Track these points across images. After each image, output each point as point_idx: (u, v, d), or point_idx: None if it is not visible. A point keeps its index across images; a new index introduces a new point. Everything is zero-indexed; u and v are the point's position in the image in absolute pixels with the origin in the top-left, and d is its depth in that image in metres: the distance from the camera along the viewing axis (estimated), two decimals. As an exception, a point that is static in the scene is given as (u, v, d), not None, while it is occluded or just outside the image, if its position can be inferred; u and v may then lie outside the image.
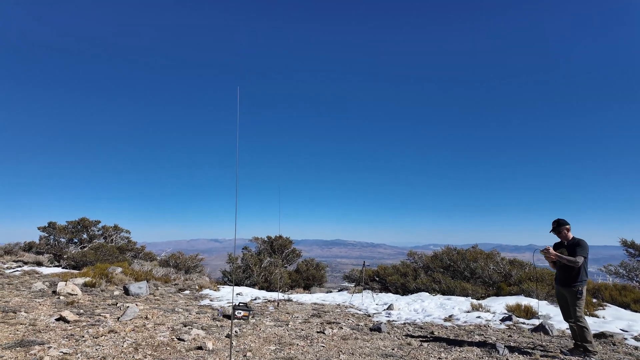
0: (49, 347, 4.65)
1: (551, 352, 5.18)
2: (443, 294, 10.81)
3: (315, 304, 9.79)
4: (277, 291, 13.31)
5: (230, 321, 6.80)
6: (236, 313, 6.93)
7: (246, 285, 13.54)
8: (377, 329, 6.50)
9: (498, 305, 8.68)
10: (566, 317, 5.23)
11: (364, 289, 13.88)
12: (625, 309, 7.66)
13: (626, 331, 6.47)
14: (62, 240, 14.51)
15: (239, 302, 7.38)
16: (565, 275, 5.03)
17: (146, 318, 6.57)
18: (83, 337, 5.24)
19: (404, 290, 11.87)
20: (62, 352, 4.53)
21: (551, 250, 5.03)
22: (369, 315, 8.13)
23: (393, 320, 7.55)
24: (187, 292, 10.60)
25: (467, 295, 10.41)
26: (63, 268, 13.05)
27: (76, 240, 15.47)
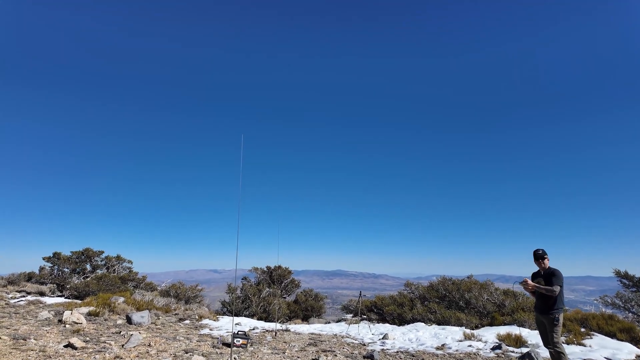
0: (61, 371, 4.98)
1: (532, 377, 5.48)
2: (438, 324, 11.01)
3: (312, 333, 10.00)
4: (275, 321, 13.47)
5: (229, 349, 7.09)
6: (235, 341, 7.22)
7: (245, 316, 13.69)
8: (370, 356, 6.78)
9: (490, 334, 8.91)
10: (545, 344, 5.54)
11: (362, 319, 14.02)
12: (611, 337, 7.91)
13: (609, 359, 6.74)
14: (66, 270, 14.81)
15: (238, 331, 7.67)
16: (543, 304, 5.34)
17: (149, 345, 6.87)
18: (91, 362, 5.56)
19: (401, 321, 12.04)
20: (73, 375, 4.86)
21: (529, 281, 5.40)
22: (364, 345, 8.37)
23: (387, 349, 7.80)
24: (187, 321, 10.82)
25: (461, 325, 10.61)
26: (66, 298, 13.29)
27: (79, 271, 15.75)
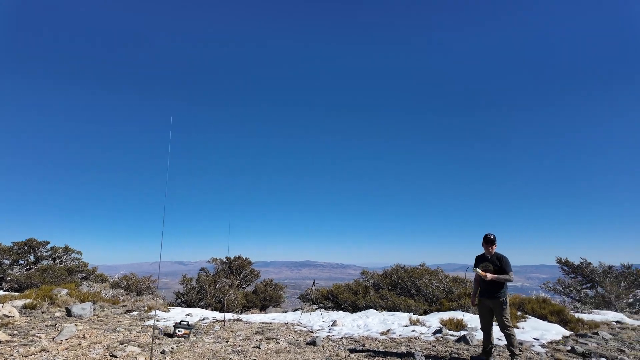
0: (-27, 366, 4.67)
1: (463, 358, 5.71)
2: (389, 310, 11.28)
3: (264, 322, 9.97)
4: (230, 312, 13.34)
5: (170, 339, 6.93)
6: (177, 331, 7.06)
7: (199, 307, 13.46)
8: (312, 343, 6.84)
9: (435, 319, 9.22)
10: (486, 326, 5.65)
11: (318, 307, 14.17)
12: (543, 320, 8.40)
13: (537, 340, 7.14)
14: (6, 261, 13.91)
15: (181, 321, 7.49)
16: (492, 288, 5.43)
17: (83, 337, 6.58)
18: (12, 356, 5.25)
19: (354, 308, 12.25)
20: (-14, 370, 4.57)
21: (489, 275, 5.33)
22: (312, 332, 8.44)
23: (333, 335, 7.89)
24: (134, 313, 10.48)
25: (410, 311, 10.93)
26: (5, 291, 12.52)
27: (22, 262, 14.86)
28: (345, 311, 12.41)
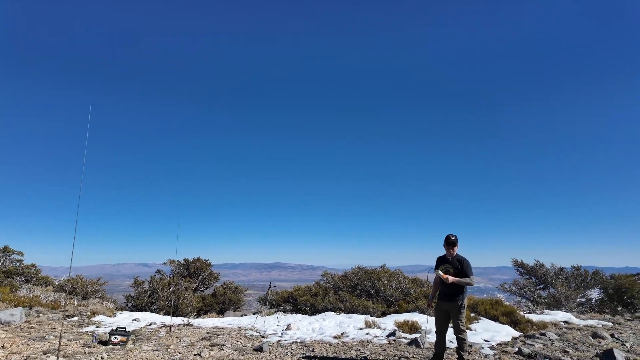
0: None
1: (411, 362, 5.57)
2: (347, 312, 11.10)
3: (215, 327, 9.51)
4: (183, 316, 12.72)
5: (104, 347, 6.38)
6: (112, 338, 6.52)
7: (151, 311, 12.75)
8: (259, 349, 6.50)
9: (390, 322, 9.11)
10: (441, 330, 5.46)
11: (278, 310, 13.80)
12: (495, 321, 8.47)
13: (488, 341, 7.14)
14: None
15: (117, 327, 6.94)
16: (451, 291, 5.25)
17: (2, 347, 5.93)
18: None
19: (313, 310, 11.98)
20: None
21: (450, 278, 5.13)
22: (263, 337, 8.08)
23: (284, 340, 7.58)
24: (75, 318, 9.74)
25: (368, 313, 10.79)
26: None
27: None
28: (304, 314, 12.13)
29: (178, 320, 10.45)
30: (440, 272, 5.29)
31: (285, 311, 13.12)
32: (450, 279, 5.17)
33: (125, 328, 6.89)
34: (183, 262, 17.37)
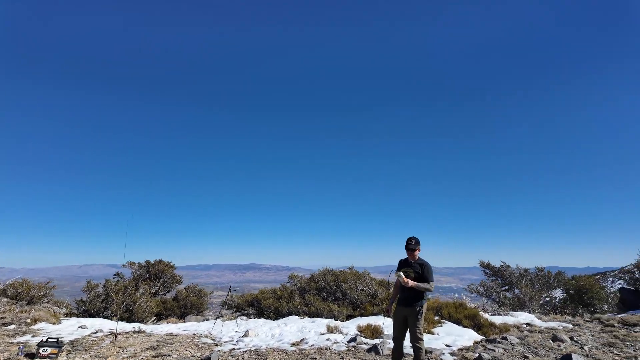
0: None
1: (366, 372, 5.24)
2: (311, 316, 10.72)
3: (169, 334, 8.92)
4: (139, 322, 11.99)
5: (30, 361, 5.74)
6: (40, 351, 5.88)
7: (104, 316, 11.96)
8: (207, 359, 6.02)
9: (354, 326, 8.79)
10: (398, 336, 5.18)
11: (241, 314, 13.26)
12: (458, 324, 8.30)
13: (449, 346, 6.93)
14: None
15: (48, 338, 6.29)
16: (410, 296, 4.98)
17: None
18: None
19: (277, 315, 11.54)
20: None
21: (410, 282, 4.88)
22: (217, 344, 7.59)
23: (237, 348, 7.12)
24: (12, 327, 8.91)
25: (333, 317, 10.45)
26: None
27: None
28: (267, 318, 11.66)
29: (130, 326, 9.77)
30: (402, 275, 5.00)
31: (249, 315, 12.62)
32: (410, 282, 4.91)
33: (57, 339, 6.25)
34: (144, 264, 16.52)
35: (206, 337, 8.50)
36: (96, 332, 8.76)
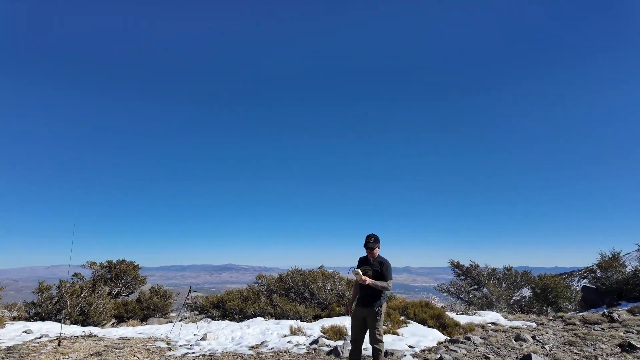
0: None
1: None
2: (277, 317, 10.39)
3: (122, 338, 8.38)
4: (95, 325, 11.33)
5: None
6: (-36, 359, 5.30)
7: (57, 320, 11.20)
8: (153, 365, 5.60)
9: (318, 327, 8.51)
10: (356, 338, 4.99)
11: (206, 316, 12.75)
12: (424, 325, 8.16)
13: (412, 347, 6.75)
14: None
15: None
16: (369, 296, 4.78)
17: None
18: None
19: (242, 316, 11.13)
20: None
21: (368, 280, 4.66)
22: (171, 349, 7.16)
23: (191, 353, 6.71)
24: (-55, 333, 8.16)
25: (299, 318, 10.15)
26: None
27: None
28: (232, 320, 11.24)
29: (81, 330, 9.16)
30: (360, 272, 4.77)
31: (213, 317, 12.14)
32: (367, 280, 4.69)
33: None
34: (106, 264, 15.73)
35: (162, 340, 8.04)
36: (40, 337, 8.13)
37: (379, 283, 4.71)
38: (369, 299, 4.81)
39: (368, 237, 4.91)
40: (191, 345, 7.33)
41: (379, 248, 4.95)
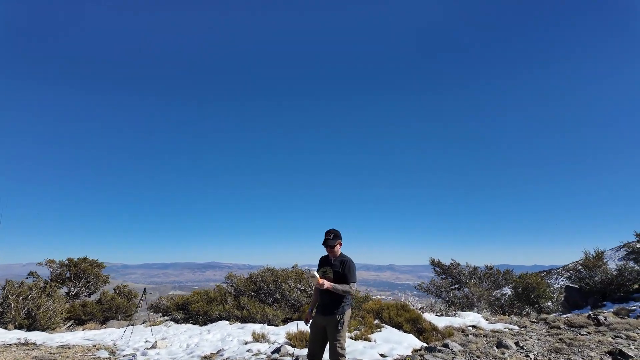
0: None
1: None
2: (243, 321, 9.58)
3: (63, 346, 7.46)
4: (43, 329, 10.30)
5: None
6: None
7: (0, 324, 10.15)
8: (76, 384, 4.73)
9: (284, 332, 7.74)
10: (314, 352, 4.14)
11: (169, 319, 11.84)
12: (399, 329, 7.47)
13: (385, 356, 6.04)
14: None
15: None
16: (329, 301, 4.01)
17: None
18: None
19: (206, 319, 10.28)
20: None
21: (326, 283, 3.88)
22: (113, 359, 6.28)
23: (132, 365, 5.85)
24: None
25: (267, 322, 9.38)
26: None
27: None
28: (195, 323, 10.38)
29: (16, 337, 8.16)
30: (316, 275, 3.98)
31: (177, 320, 11.24)
32: (326, 284, 3.88)
33: None
34: (66, 262, 14.62)
35: (106, 349, 7.14)
36: (-35, 347, 7.13)
37: (339, 287, 3.92)
38: (329, 306, 4.00)
39: (327, 233, 4.10)
40: (143, 354, 6.46)
41: (340, 245, 4.12)
